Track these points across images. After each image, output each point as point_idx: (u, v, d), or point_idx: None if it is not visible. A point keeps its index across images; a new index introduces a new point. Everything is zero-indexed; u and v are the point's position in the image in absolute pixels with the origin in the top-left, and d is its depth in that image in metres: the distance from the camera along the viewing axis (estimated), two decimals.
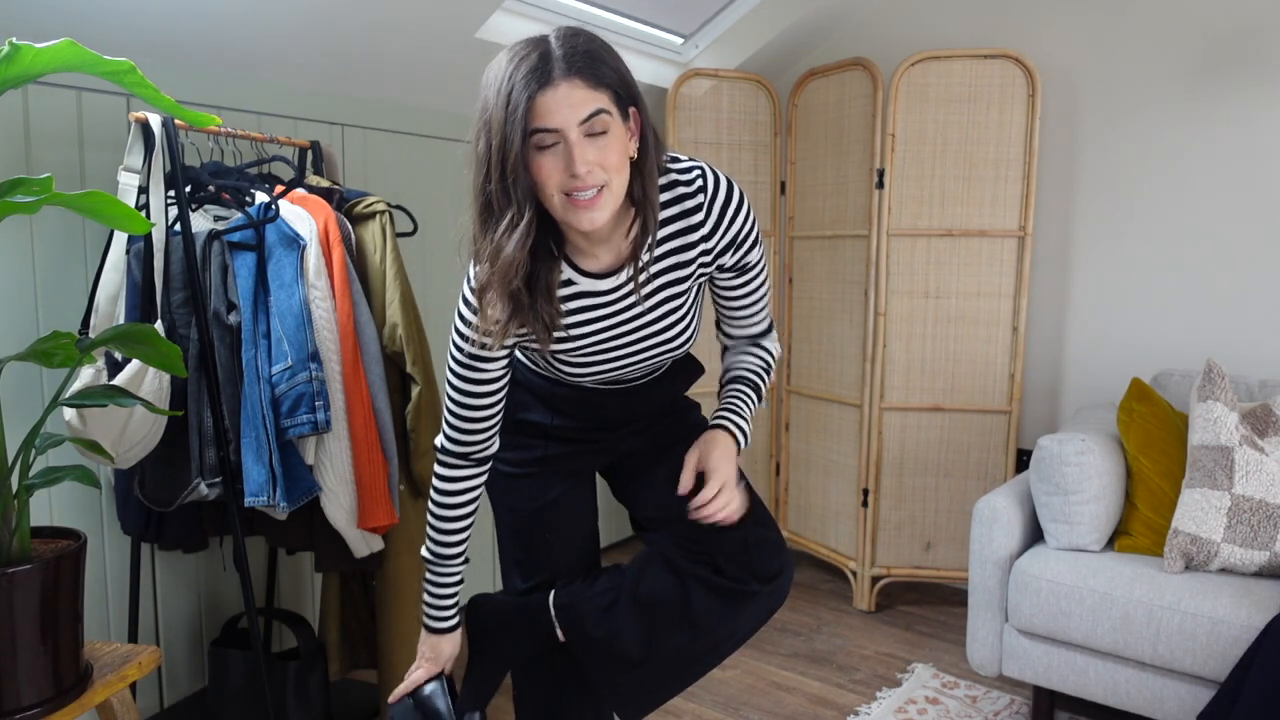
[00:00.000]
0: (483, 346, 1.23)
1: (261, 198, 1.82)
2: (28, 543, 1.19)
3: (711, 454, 1.31)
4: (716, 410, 1.40)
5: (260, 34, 1.97)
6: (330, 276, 1.76)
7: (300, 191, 1.88)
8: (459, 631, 1.44)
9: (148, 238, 1.67)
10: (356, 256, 1.86)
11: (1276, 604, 1.76)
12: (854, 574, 2.87)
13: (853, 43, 3.08)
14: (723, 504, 1.28)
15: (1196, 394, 2.03)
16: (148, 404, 1.28)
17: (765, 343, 1.45)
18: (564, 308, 1.23)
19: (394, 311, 1.85)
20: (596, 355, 1.29)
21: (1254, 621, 1.73)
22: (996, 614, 2.08)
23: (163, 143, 1.68)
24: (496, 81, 1.08)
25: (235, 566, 2.03)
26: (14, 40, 1.04)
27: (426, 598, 1.41)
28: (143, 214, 1.55)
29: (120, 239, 1.70)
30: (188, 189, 1.78)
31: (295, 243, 1.74)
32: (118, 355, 1.63)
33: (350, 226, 1.87)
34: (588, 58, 1.08)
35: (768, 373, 1.44)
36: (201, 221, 1.80)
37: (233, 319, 1.70)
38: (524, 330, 1.20)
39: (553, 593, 1.42)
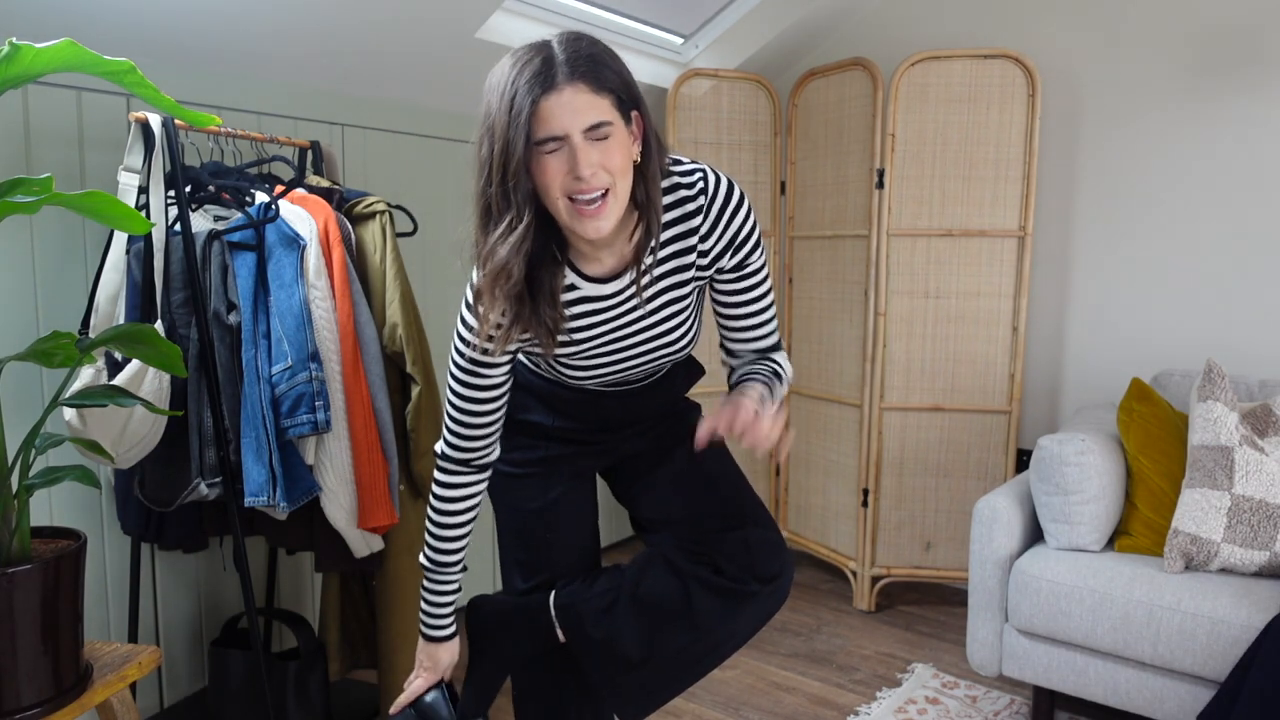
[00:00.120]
0: (484, 352, 1.22)
1: (261, 198, 1.82)
2: (28, 543, 1.19)
3: (740, 400, 1.22)
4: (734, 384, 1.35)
5: (260, 34, 1.97)
6: (330, 276, 1.76)
7: (300, 191, 1.88)
8: (457, 640, 1.44)
9: (148, 238, 1.67)
10: (356, 256, 1.86)
11: (1276, 604, 1.76)
12: (854, 574, 2.87)
13: (853, 43, 3.08)
14: (767, 423, 1.15)
15: (1196, 394, 2.03)
16: (148, 404, 1.28)
17: (775, 356, 1.37)
18: (567, 312, 1.23)
19: (394, 311, 1.85)
20: (599, 358, 1.29)
21: (1254, 621, 1.73)
22: (996, 614, 2.08)
23: (163, 143, 1.68)
24: (499, 86, 1.08)
25: (235, 566, 2.03)
26: (14, 40, 1.04)
27: (424, 606, 1.40)
28: (143, 214, 1.55)
29: (120, 239, 1.70)
30: (188, 189, 1.78)
31: (295, 243, 1.74)
32: (118, 355, 1.63)
33: (350, 226, 1.88)
34: (591, 62, 1.08)
35: (780, 379, 1.34)
36: (201, 221, 1.80)
37: (233, 319, 1.70)
38: (527, 335, 1.20)
39: (553, 593, 1.42)
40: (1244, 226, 2.48)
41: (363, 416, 1.76)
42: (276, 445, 1.66)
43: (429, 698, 1.39)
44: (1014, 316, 2.67)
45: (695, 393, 1.58)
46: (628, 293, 1.25)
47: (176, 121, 1.69)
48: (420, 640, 1.43)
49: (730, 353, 1.39)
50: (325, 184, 1.99)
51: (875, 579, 2.85)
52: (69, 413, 1.55)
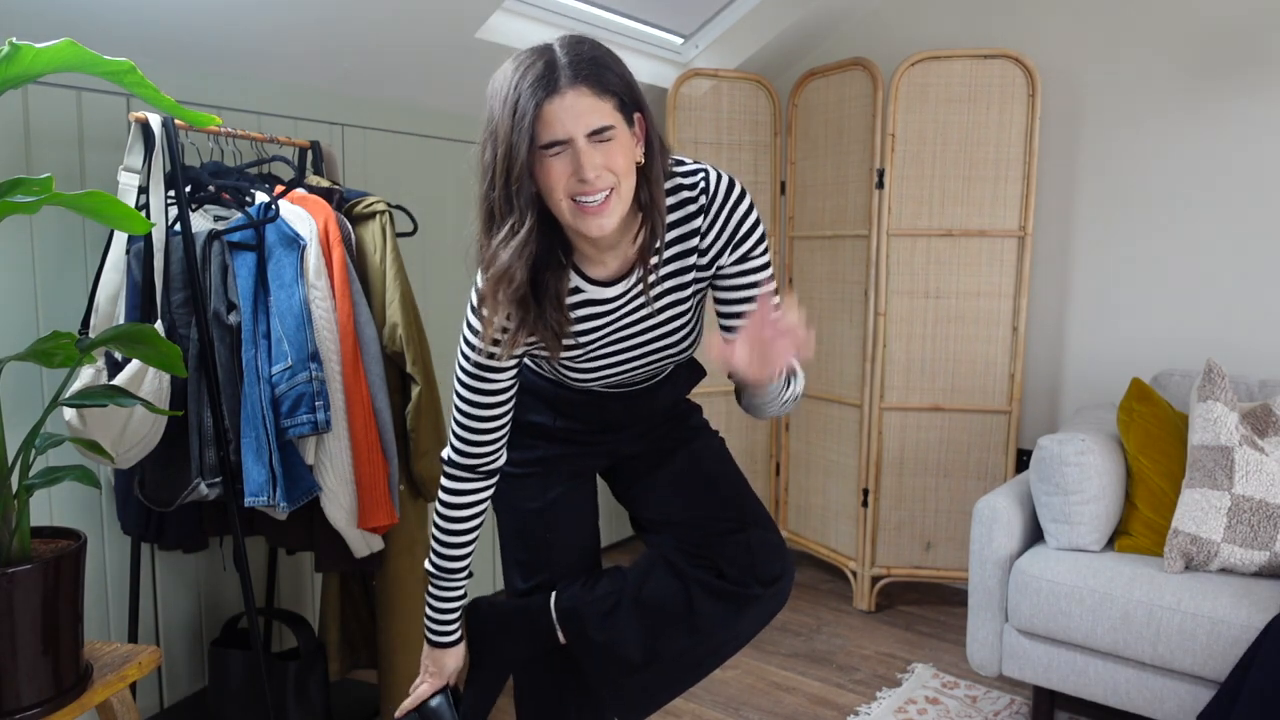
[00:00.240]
0: (491, 356, 1.22)
1: (261, 198, 1.82)
2: (28, 543, 1.19)
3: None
4: None
5: (260, 34, 1.97)
6: (330, 276, 1.76)
7: (300, 191, 1.88)
8: (462, 645, 1.44)
9: (148, 238, 1.67)
10: (356, 256, 1.86)
11: (1276, 604, 1.76)
12: (854, 574, 2.87)
13: (853, 43, 3.08)
14: (791, 318, 1.07)
15: (1196, 394, 2.03)
16: (148, 404, 1.28)
17: None
18: (571, 315, 1.23)
19: (394, 311, 1.85)
20: (603, 360, 1.29)
21: (1254, 621, 1.73)
22: (996, 614, 2.08)
23: (163, 143, 1.68)
24: (502, 91, 1.08)
25: (235, 566, 2.03)
26: (14, 40, 1.04)
27: (429, 612, 1.40)
28: (143, 214, 1.55)
29: (120, 239, 1.70)
30: (188, 189, 1.78)
31: (295, 243, 1.74)
32: (118, 355, 1.62)
33: (350, 226, 1.87)
34: (593, 64, 1.08)
35: (793, 374, 1.29)
36: (201, 221, 1.80)
37: (233, 319, 1.70)
38: (533, 339, 1.20)
39: (554, 595, 1.42)
40: (1244, 226, 2.48)
41: (363, 416, 1.76)
42: (276, 445, 1.66)
43: (434, 703, 1.40)
44: (1014, 316, 2.67)
45: (696, 393, 1.58)
46: (631, 294, 1.24)
47: (176, 121, 1.69)
48: (425, 645, 1.42)
49: None
50: (325, 184, 1.99)
51: (875, 579, 2.85)
52: (69, 413, 1.55)
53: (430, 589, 1.39)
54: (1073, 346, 2.80)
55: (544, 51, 1.08)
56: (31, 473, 1.22)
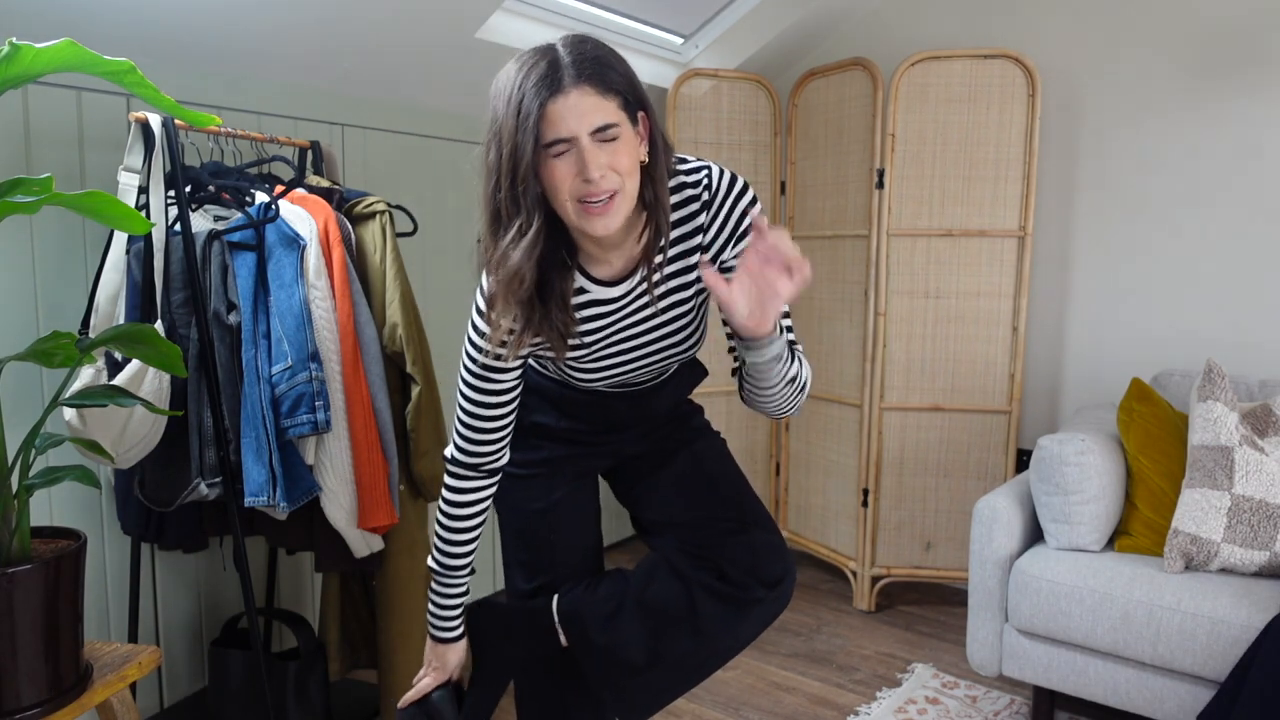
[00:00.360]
0: (497, 358, 1.22)
1: (261, 198, 1.82)
2: (28, 543, 1.19)
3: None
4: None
5: (260, 34, 1.97)
6: (330, 276, 1.76)
7: (300, 191, 1.88)
8: (464, 640, 1.44)
9: (148, 238, 1.67)
10: (356, 256, 1.86)
11: (1276, 604, 1.76)
12: (854, 574, 2.87)
13: (853, 43, 3.08)
14: (786, 246, 1.06)
15: (1196, 394, 2.03)
16: (148, 404, 1.28)
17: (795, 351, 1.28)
18: (576, 315, 1.23)
19: (394, 311, 1.85)
20: (608, 360, 1.29)
21: (1254, 621, 1.73)
22: (996, 614, 2.08)
23: (163, 143, 1.68)
24: (506, 91, 1.08)
25: (235, 566, 2.03)
26: (14, 40, 1.04)
27: (432, 608, 1.40)
28: (143, 214, 1.55)
29: (120, 239, 1.70)
30: (188, 189, 1.78)
31: (295, 243, 1.74)
32: (118, 355, 1.62)
33: (350, 226, 1.87)
34: (597, 64, 1.07)
35: (801, 366, 1.26)
36: (201, 221, 1.80)
37: (233, 319, 1.70)
38: (539, 340, 1.20)
39: (556, 598, 1.42)
40: (1244, 226, 2.48)
41: (363, 416, 1.76)
42: (276, 445, 1.66)
43: (435, 697, 1.40)
44: (1014, 316, 2.67)
45: (697, 394, 1.58)
46: (636, 294, 1.24)
47: (176, 121, 1.69)
48: (428, 640, 1.43)
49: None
50: (325, 184, 1.99)
51: (875, 579, 2.85)
52: (69, 413, 1.55)
53: (433, 585, 1.40)
54: (1073, 346, 2.80)
55: (547, 51, 1.08)
56: (31, 473, 1.22)
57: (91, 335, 1.59)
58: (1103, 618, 1.88)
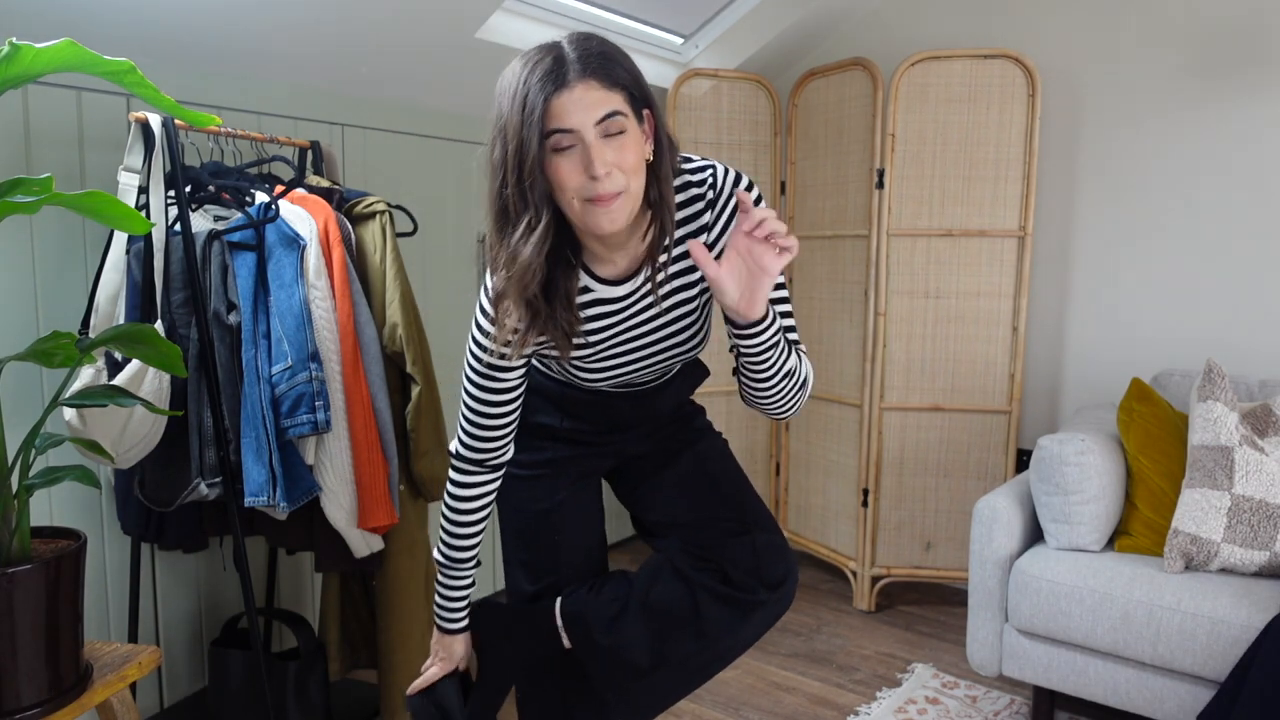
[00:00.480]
0: (502, 356, 1.22)
1: (261, 198, 1.82)
2: (28, 543, 1.19)
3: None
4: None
5: (260, 34, 1.97)
6: (330, 276, 1.76)
7: (300, 191, 1.88)
8: (469, 633, 1.45)
9: (148, 238, 1.67)
10: (356, 256, 1.86)
11: (1276, 604, 1.76)
12: (854, 574, 2.87)
13: (853, 43, 3.08)
14: (773, 222, 1.08)
15: (1196, 394, 2.03)
16: (148, 404, 1.28)
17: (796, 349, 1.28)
18: (581, 314, 1.23)
19: (394, 311, 1.85)
20: (612, 360, 1.29)
21: (1254, 621, 1.73)
22: (996, 614, 2.08)
23: (163, 143, 1.68)
24: (511, 87, 1.07)
25: (235, 566, 2.03)
26: (14, 40, 1.04)
27: (438, 599, 1.41)
28: (143, 214, 1.55)
29: (120, 239, 1.70)
30: (188, 189, 1.78)
31: (295, 243, 1.74)
32: (118, 355, 1.62)
33: (350, 226, 1.87)
34: (602, 59, 1.07)
35: (800, 363, 1.26)
36: (201, 221, 1.80)
37: (233, 319, 1.70)
38: (543, 339, 1.20)
39: (559, 600, 1.42)
40: (1244, 226, 2.48)
41: (363, 416, 1.76)
42: (276, 445, 1.66)
43: (441, 686, 1.42)
44: (1014, 316, 2.67)
45: (699, 394, 1.58)
46: (640, 293, 1.24)
47: (176, 121, 1.69)
48: (435, 631, 1.44)
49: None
50: (325, 184, 1.99)
51: (875, 579, 2.85)
52: (69, 413, 1.55)
53: (439, 577, 1.41)
54: (1073, 346, 2.80)
55: (552, 48, 1.08)
56: (31, 473, 1.22)
57: (91, 335, 1.59)
58: (1103, 618, 1.88)
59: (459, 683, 1.43)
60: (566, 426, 1.40)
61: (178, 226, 1.68)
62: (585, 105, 1.05)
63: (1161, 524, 2.03)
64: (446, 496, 1.36)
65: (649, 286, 1.23)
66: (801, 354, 1.28)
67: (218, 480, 1.69)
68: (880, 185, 2.68)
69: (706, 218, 1.22)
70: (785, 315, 1.27)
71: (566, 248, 1.18)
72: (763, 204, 1.22)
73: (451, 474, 1.35)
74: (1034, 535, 2.16)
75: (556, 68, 1.05)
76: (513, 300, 1.14)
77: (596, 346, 1.27)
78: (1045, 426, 2.84)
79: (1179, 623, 1.80)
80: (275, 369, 1.67)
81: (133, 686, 1.53)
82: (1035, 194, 2.67)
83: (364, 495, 1.76)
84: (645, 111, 1.13)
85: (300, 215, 1.77)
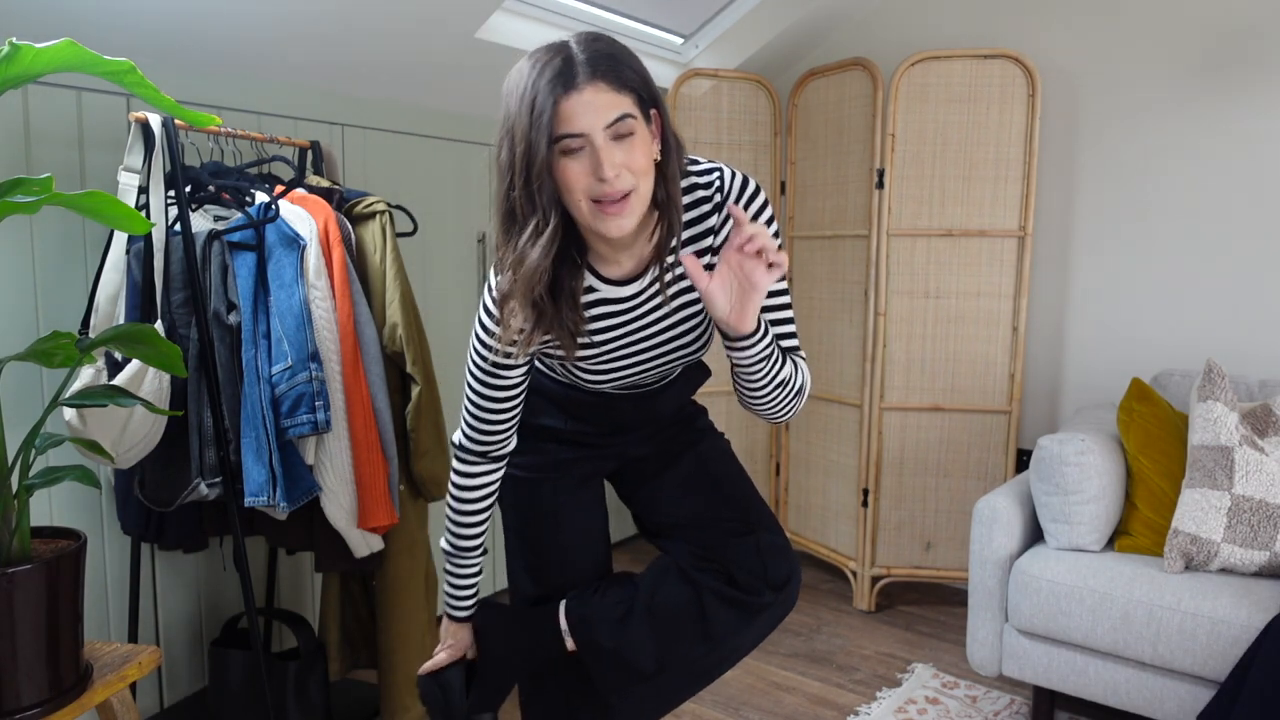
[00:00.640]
0: (506, 356, 1.22)
1: (261, 198, 1.82)
2: (28, 543, 1.19)
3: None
4: None
5: (260, 34, 1.97)
6: (330, 276, 1.76)
7: (300, 191, 1.88)
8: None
9: (148, 238, 1.67)
10: (356, 256, 1.86)
11: (1276, 604, 1.76)
12: (854, 574, 2.87)
13: (853, 43, 3.08)
14: (764, 239, 1.08)
15: (1196, 394, 2.03)
16: (148, 404, 1.28)
17: (794, 357, 1.29)
18: (586, 314, 1.23)
19: (394, 311, 1.85)
20: (616, 361, 1.29)
21: (1254, 621, 1.73)
22: (996, 614, 2.08)
23: (163, 143, 1.68)
24: (519, 88, 1.07)
25: (235, 566, 2.03)
26: (14, 40, 1.04)
27: (446, 588, 1.43)
28: (143, 214, 1.55)
29: (120, 239, 1.70)
30: (188, 189, 1.78)
31: (295, 243, 1.74)
32: (118, 355, 1.62)
33: (350, 226, 1.87)
34: (611, 60, 1.07)
35: (797, 372, 1.26)
36: (201, 221, 1.80)
37: (233, 319, 1.70)
38: (548, 338, 1.20)
39: (563, 604, 1.42)
40: (1244, 226, 2.48)
41: (363, 416, 1.76)
42: (276, 445, 1.66)
43: (449, 672, 1.44)
44: (1014, 316, 2.67)
45: (700, 394, 1.58)
46: (646, 294, 1.24)
47: (176, 121, 1.69)
48: (444, 619, 1.45)
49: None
50: (325, 184, 1.99)
51: (875, 579, 2.85)
52: (69, 413, 1.55)
53: (447, 565, 1.42)
54: (1073, 346, 2.80)
55: (560, 48, 1.07)
56: (31, 473, 1.22)
57: (91, 335, 1.59)
58: (1103, 618, 1.88)
59: (465, 671, 1.45)
60: (570, 428, 1.40)
61: (178, 226, 1.68)
62: (595, 108, 1.05)
63: (1161, 524, 2.03)
64: (451, 486, 1.38)
65: (655, 287, 1.23)
66: (800, 361, 1.28)
67: (218, 480, 1.69)
68: (880, 185, 2.68)
69: (713, 221, 1.22)
70: (786, 322, 1.27)
71: (572, 248, 1.18)
72: (768, 209, 1.22)
73: (455, 464, 1.36)
74: (1034, 535, 2.16)
75: (566, 69, 1.05)
76: (518, 301, 1.13)
77: (601, 347, 1.27)
78: (1045, 426, 2.84)
79: (1179, 623, 1.80)
80: (275, 369, 1.67)
81: (133, 686, 1.53)
82: (1035, 194, 2.67)
83: (364, 495, 1.76)
84: (653, 111, 1.12)
85: (300, 215, 1.77)
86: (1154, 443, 2.10)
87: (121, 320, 1.70)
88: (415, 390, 1.87)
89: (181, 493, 1.70)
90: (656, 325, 1.27)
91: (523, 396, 1.31)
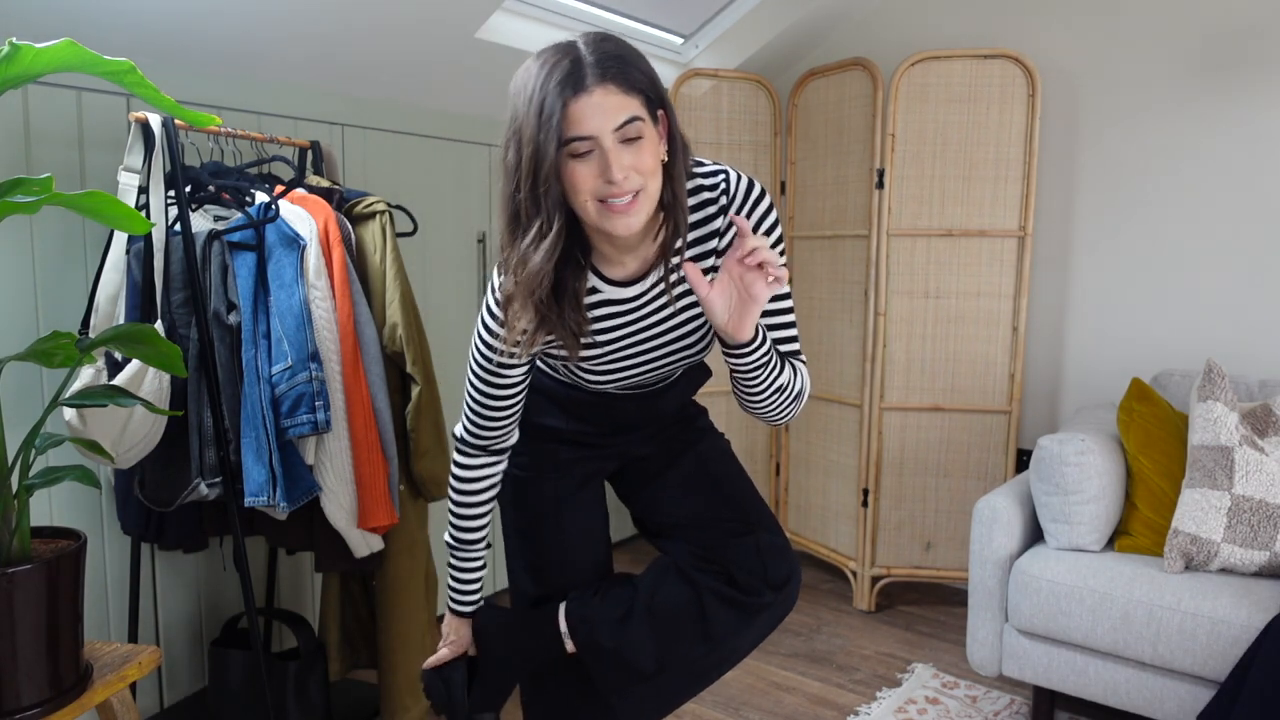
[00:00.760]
0: (509, 356, 1.22)
1: (261, 198, 1.82)
2: (28, 543, 1.19)
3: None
4: None
5: (261, 34, 1.97)
6: (330, 276, 1.76)
7: (300, 191, 1.88)
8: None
9: (148, 238, 1.67)
10: (356, 256, 1.86)
11: (1276, 604, 1.76)
12: (854, 574, 2.87)
13: (853, 43, 3.08)
14: (765, 252, 1.08)
15: (1196, 394, 2.03)
16: (148, 404, 1.28)
17: (793, 361, 1.29)
18: (589, 315, 1.22)
19: (394, 311, 1.85)
20: (619, 362, 1.29)
21: (1254, 621, 1.73)
22: (996, 614, 2.08)
23: (163, 143, 1.68)
24: (527, 90, 1.06)
25: (235, 566, 2.03)
26: (14, 40, 1.04)
27: (450, 582, 1.43)
28: (143, 214, 1.55)
29: (120, 239, 1.70)
30: (188, 189, 1.78)
31: (295, 243, 1.74)
32: (118, 355, 1.62)
33: (350, 226, 1.88)
34: (619, 62, 1.06)
35: (795, 377, 1.26)
36: (201, 221, 1.80)
37: (233, 319, 1.70)
38: (551, 338, 1.20)
39: (563, 605, 1.42)
40: (1244, 226, 2.48)
41: (363, 416, 1.76)
42: (276, 445, 1.66)
43: (450, 668, 1.45)
44: (1014, 316, 2.67)
45: (701, 394, 1.58)
46: (650, 295, 1.24)
47: (176, 121, 1.69)
48: (447, 614, 1.45)
49: None
50: (325, 184, 1.99)
51: (875, 579, 2.85)
52: (69, 413, 1.55)
53: (450, 559, 1.42)
54: (1073, 346, 2.80)
55: (569, 49, 1.06)
56: (31, 473, 1.22)
57: (91, 335, 1.59)
58: (1103, 618, 1.88)
59: (466, 668, 1.45)
60: (571, 428, 1.40)
61: (178, 226, 1.68)
62: (604, 111, 1.04)
63: (1161, 524, 2.03)
64: (452, 479, 1.38)
65: (660, 288, 1.23)
66: (799, 366, 1.29)
67: (218, 480, 1.70)
68: (880, 185, 2.68)
69: (718, 223, 1.22)
70: (787, 326, 1.27)
71: (576, 249, 1.18)
72: (774, 213, 1.22)
73: (456, 457, 1.37)
74: (1034, 535, 2.16)
75: (574, 71, 1.04)
76: (523, 304, 1.14)
77: (604, 348, 1.27)
78: (1045, 426, 2.84)
79: (1179, 623, 1.80)
80: (275, 369, 1.67)
81: (133, 686, 1.53)
82: (1035, 194, 2.67)
83: (364, 495, 1.76)
84: (660, 112, 1.12)
85: (300, 215, 1.77)
86: (1154, 443, 2.10)
87: (121, 320, 1.70)
88: (415, 390, 1.87)
89: (181, 493, 1.70)
90: (660, 326, 1.27)
91: (524, 393, 1.32)
